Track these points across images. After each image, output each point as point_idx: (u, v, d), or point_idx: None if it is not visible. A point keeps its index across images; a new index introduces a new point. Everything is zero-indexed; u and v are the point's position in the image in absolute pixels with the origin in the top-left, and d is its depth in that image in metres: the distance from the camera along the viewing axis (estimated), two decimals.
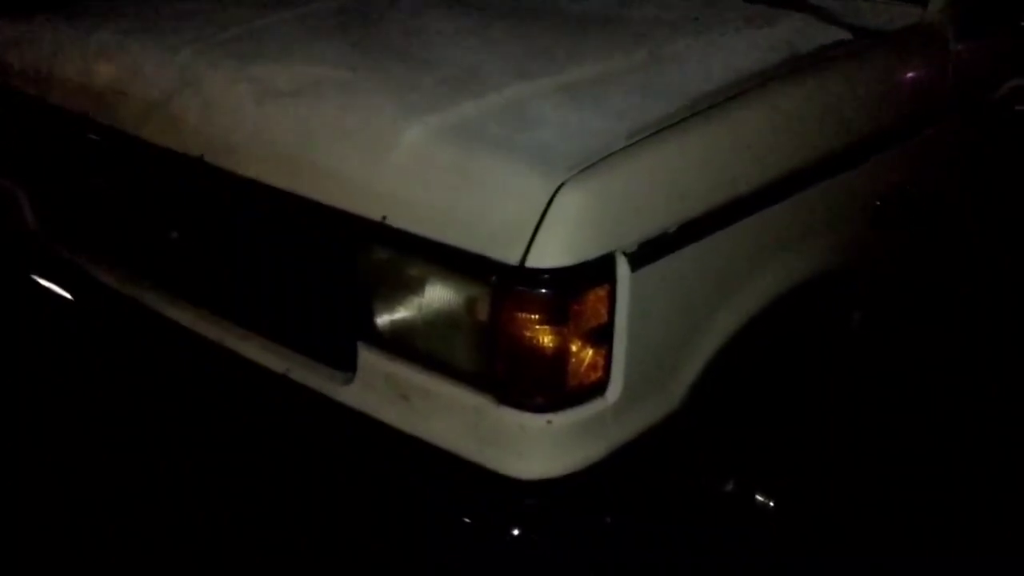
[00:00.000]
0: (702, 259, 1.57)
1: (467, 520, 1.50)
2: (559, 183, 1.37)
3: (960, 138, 2.26)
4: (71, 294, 2.09)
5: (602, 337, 1.44)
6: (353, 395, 1.61)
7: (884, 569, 2.20)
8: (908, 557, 2.24)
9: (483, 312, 1.43)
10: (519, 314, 1.39)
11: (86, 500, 2.32)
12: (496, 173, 1.42)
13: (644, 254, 1.45)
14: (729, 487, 2.01)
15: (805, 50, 1.90)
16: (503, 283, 1.39)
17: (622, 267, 1.42)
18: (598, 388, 1.48)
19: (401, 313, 1.53)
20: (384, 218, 1.48)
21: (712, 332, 1.62)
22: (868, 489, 2.38)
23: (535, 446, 1.46)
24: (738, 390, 1.76)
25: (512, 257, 1.36)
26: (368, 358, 1.58)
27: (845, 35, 2.01)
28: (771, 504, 2.13)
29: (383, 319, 1.55)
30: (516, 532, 1.48)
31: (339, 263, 1.58)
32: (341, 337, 1.61)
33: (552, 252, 1.36)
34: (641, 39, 1.86)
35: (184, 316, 1.86)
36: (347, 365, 1.61)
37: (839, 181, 1.84)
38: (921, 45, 2.14)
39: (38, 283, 2.16)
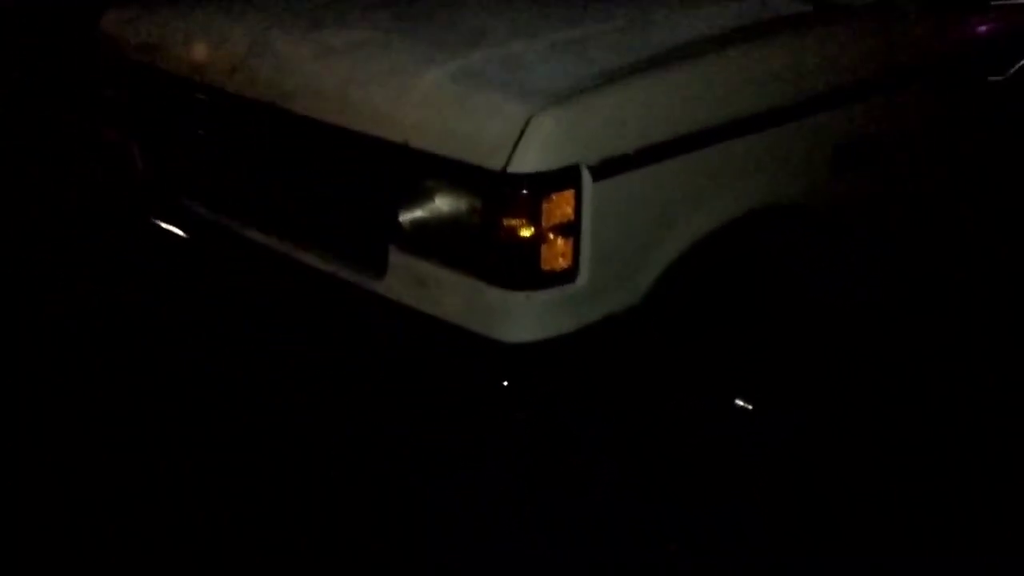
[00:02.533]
0: (660, 179, 1.97)
1: (470, 374, 1.94)
2: (533, 111, 1.81)
3: (924, 102, 2.58)
4: (182, 230, 2.58)
5: (570, 231, 1.86)
6: (385, 286, 2.07)
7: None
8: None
9: (477, 211, 1.87)
10: (503, 210, 1.83)
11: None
12: (488, 104, 1.86)
13: (605, 169, 1.87)
14: (710, 392, 2.39)
15: (768, 18, 2.29)
16: (491, 186, 1.83)
17: (586, 177, 1.85)
18: (569, 274, 1.90)
19: (420, 218, 1.98)
20: (406, 141, 1.93)
21: (670, 241, 2.03)
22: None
23: (517, 317, 1.90)
24: (700, 298, 2.15)
25: (497, 165, 1.80)
26: (396, 257, 2.04)
27: (807, 7, 2.38)
28: (750, 408, 2.49)
29: (407, 224, 2.00)
30: (506, 383, 1.92)
31: (374, 181, 2.04)
32: (376, 242, 2.07)
33: (527, 161, 1.79)
34: (628, 8, 2.28)
35: (257, 235, 2.35)
36: (380, 264, 2.07)
37: (793, 128, 2.21)
38: (883, 18, 2.49)
39: (152, 222, 2.67)
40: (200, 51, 2.38)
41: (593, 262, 1.91)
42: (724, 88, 2.06)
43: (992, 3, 2.73)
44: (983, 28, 2.75)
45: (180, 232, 2.58)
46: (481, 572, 2.21)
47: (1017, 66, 2.80)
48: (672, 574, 2.15)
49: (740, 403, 2.50)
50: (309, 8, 2.40)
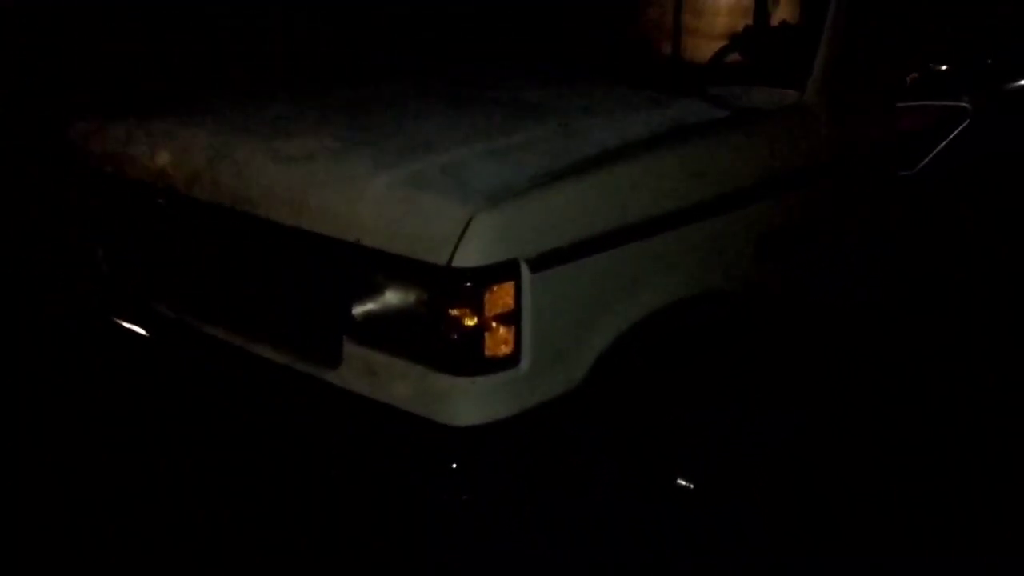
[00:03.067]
0: (592, 271, 2.15)
1: (418, 458, 2.06)
2: (474, 211, 1.98)
3: (837, 196, 2.81)
4: (140, 327, 2.70)
5: (511, 320, 2.02)
6: (340, 377, 2.20)
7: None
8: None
9: (425, 303, 2.03)
10: (448, 301, 1.98)
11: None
12: (433, 206, 2.04)
13: (542, 262, 2.04)
14: (651, 470, 2.52)
15: (689, 124, 2.51)
16: (436, 280, 1.99)
17: (524, 270, 2.01)
18: (512, 360, 2.05)
19: (371, 311, 2.13)
20: (358, 240, 2.09)
21: (604, 328, 2.19)
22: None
23: (463, 402, 2.04)
24: (636, 379, 2.31)
25: (442, 260, 1.97)
26: (350, 348, 2.17)
27: (725, 113, 2.61)
28: (692, 487, 2.62)
29: (359, 317, 2.15)
30: (454, 465, 2.04)
31: (329, 278, 2.18)
32: (330, 335, 2.20)
33: (469, 257, 1.96)
34: (560, 118, 2.49)
35: (219, 332, 2.47)
36: (335, 356, 2.20)
37: (715, 223, 2.41)
38: (796, 121, 2.73)
39: (113, 320, 2.77)
40: (164, 160, 2.53)
41: (534, 348, 2.06)
42: (648, 188, 2.26)
43: (898, 105, 3.01)
44: (890, 128, 3.01)
45: (144, 332, 2.69)
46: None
47: (924, 161, 3.06)
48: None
49: (682, 483, 2.64)
50: (266, 119, 2.58)
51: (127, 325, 2.73)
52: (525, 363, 2.06)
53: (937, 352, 3.28)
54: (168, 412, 2.77)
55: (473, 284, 1.96)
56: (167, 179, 2.52)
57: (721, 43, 3.03)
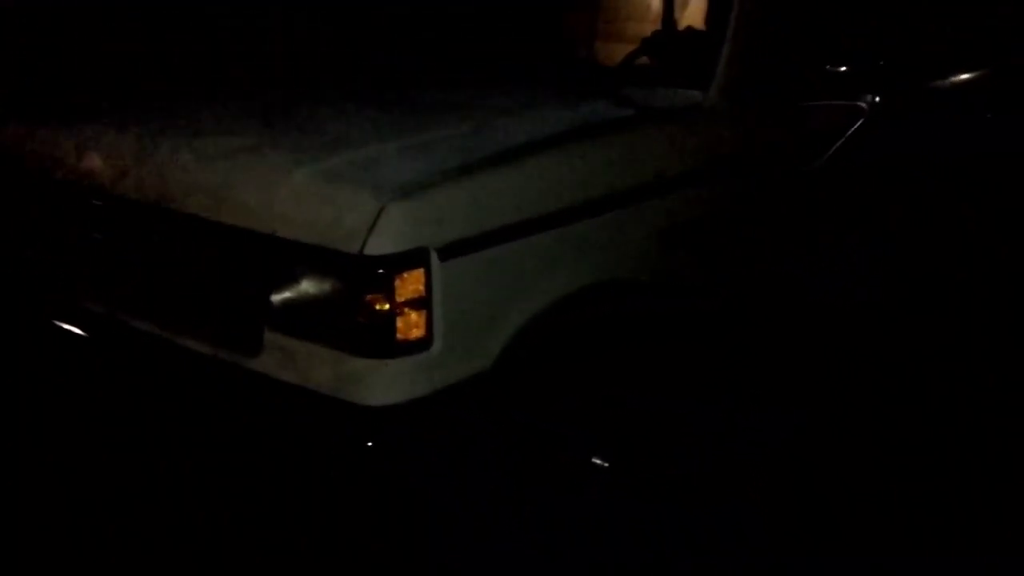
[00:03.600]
0: (499, 260, 2.28)
1: (338, 437, 2.17)
2: (384, 202, 2.10)
3: (740, 189, 2.98)
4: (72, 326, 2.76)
5: (422, 305, 2.14)
6: (260, 363, 2.30)
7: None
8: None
9: (339, 290, 2.14)
10: (361, 288, 2.10)
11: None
12: (346, 197, 2.15)
13: (450, 250, 2.17)
14: (568, 448, 2.65)
15: (595, 122, 2.65)
16: (350, 267, 2.10)
17: (433, 258, 2.13)
18: (424, 343, 2.16)
19: (289, 299, 2.23)
20: (274, 231, 2.19)
21: (512, 314, 2.32)
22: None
23: (377, 382, 2.15)
24: (547, 362, 2.44)
25: (355, 249, 2.08)
26: (269, 336, 2.27)
27: (630, 112, 2.76)
28: (607, 466, 2.75)
29: (278, 306, 2.25)
30: (370, 444, 2.15)
31: (249, 270, 2.29)
32: (251, 324, 2.30)
33: (380, 245, 2.08)
34: (475, 117, 2.62)
35: (147, 326, 2.55)
36: (256, 344, 2.30)
37: (619, 214, 2.55)
38: (698, 120, 2.89)
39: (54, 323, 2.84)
40: (91, 161, 2.62)
41: (445, 331, 2.18)
42: (551, 181, 2.40)
43: (799, 104, 3.18)
44: (791, 126, 3.19)
45: (78, 330, 2.76)
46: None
47: (825, 156, 3.24)
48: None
49: (597, 461, 2.77)
50: (189, 120, 2.68)
51: (61, 324, 2.80)
52: (436, 346, 2.18)
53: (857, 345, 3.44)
54: (103, 408, 2.84)
55: (384, 271, 2.08)
56: (94, 179, 2.61)
57: (632, 47, 3.20)
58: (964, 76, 3.99)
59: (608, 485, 2.71)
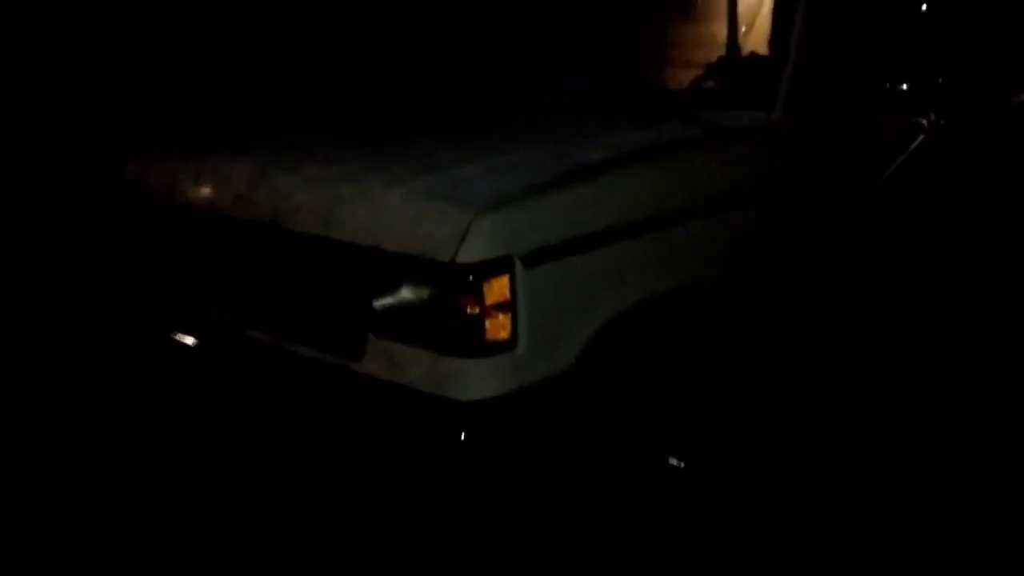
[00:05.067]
0: (578, 267, 2.50)
1: (435, 428, 2.40)
2: (472, 215, 2.35)
3: (805, 203, 3.14)
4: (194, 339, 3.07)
5: (508, 309, 2.37)
6: (364, 366, 2.55)
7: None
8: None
9: (434, 296, 2.39)
10: (452, 293, 2.34)
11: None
12: (440, 212, 2.40)
13: (533, 258, 2.40)
14: (643, 450, 2.84)
15: (663, 142, 2.86)
16: (442, 275, 2.34)
17: (518, 264, 2.37)
18: (510, 344, 2.39)
19: (390, 306, 2.48)
20: (378, 244, 2.45)
21: (591, 317, 2.54)
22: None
23: (468, 380, 2.39)
24: (623, 366, 2.64)
25: (447, 258, 2.32)
26: (372, 341, 2.53)
27: (699, 132, 2.96)
28: (682, 466, 2.93)
29: (380, 312, 2.50)
30: (463, 434, 2.38)
31: (352, 281, 2.54)
32: (355, 330, 2.56)
33: (470, 253, 2.32)
34: (553, 141, 2.85)
35: (257, 334, 2.83)
36: (359, 348, 2.55)
37: (689, 228, 2.75)
38: (765, 138, 3.07)
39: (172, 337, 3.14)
40: (209, 188, 2.92)
41: (528, 333, 2.41)
42: (623, 196, 2.62)
43: (862, 122, 3.34)
44: (856, 142, 3.34)
45: (189, 340, 3.06)
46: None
47: (887, 173, 3.38)
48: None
49: (673, 462, 2.95)
50: (294, 149, 2.97)
51: (179, 337, 3.10)
52: (521, 346, 2.41)
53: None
54: (203, 413, 3.14)
55: (474, 277, 2.32)
56: (212, 204, 2.91)
57: (699, 72, 3.40)
58: None
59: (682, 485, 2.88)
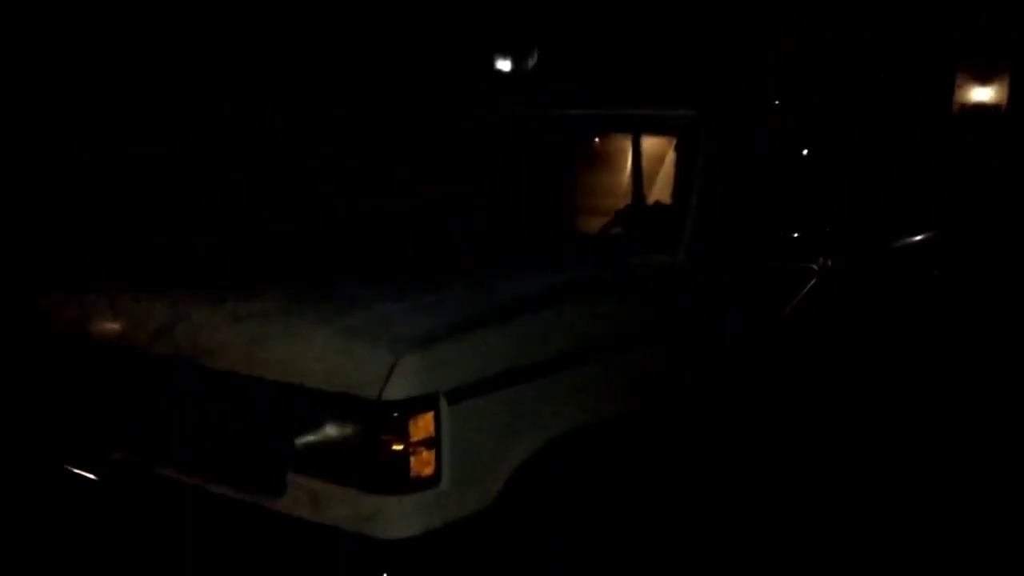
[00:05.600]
0: (499, 402, 2.57)
1: (358, 569, 2.38)
2: (399, 354, 2.41)
3: (705, 341, 3.31)
4: (92, 473, 2.99)
5: (432, 444, 2.41)
6: (284, 504, 2.53)
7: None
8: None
9: (358, 433, 2.41)
10: (377, 430, 2.37)
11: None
12: (366, 351, 2.46)
13: (456, 395, 2.46)
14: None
15: (578, 283, 3.01)
16: (367, 412, 2.38)
17: (442, 401, 2.42)
18: (434, 480, 2.42)
19: (312, 443, 2.50)
20: (302, 382, 2.48)
21: (510, 454, 2.59)
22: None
23: (392, 517, 2.40)
24: (541, 497, 2.69)
25: (373, 395, 2.37)
26: (293, 478, 2.52)
27: (608, 275, 3.12)
28: None
29: (302, 449, 2.51)
30: (385, 575, 2.37)
31: (275, 418, 2.56)
32: (276, 468, 2.55)
33: (395, 391, 2.37)
34: (472, 280, 2.97)
35: (172, 472, 2.78)
36: (279, 486, 2.54)
37: (598, 364, 2.87)
38: (668, 280, 3.25)
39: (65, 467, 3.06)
40: (126, 322, 2.91)
41: (452, 469, 2.45)
42: (542, 334, 2.73)
43: (758, 266, 3.57)
44: (751, 285, 3.56)
45: (96, 476, 2.97)
46: None
47: (783, 312, 3.60)
48: None
49: None
50: (216, 287, 3.00)
51: (79, 471, 3.01)
52: (445, 482, 2.44)
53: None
54: (117, 552, 3.04)
55: (399, 414, 2.37)
56: (129, 340, 2.90)
57: (608, 219, 3.60)
58: (912, 239, 4.48)
59: None
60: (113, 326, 2.98)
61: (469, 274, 3.06)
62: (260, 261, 3.37)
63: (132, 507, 2.89)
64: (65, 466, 3.05)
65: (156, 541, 2.86)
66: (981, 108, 11.30)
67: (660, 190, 3.59)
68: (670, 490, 3.12)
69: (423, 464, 2.40)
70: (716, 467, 3.38)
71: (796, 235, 3.55)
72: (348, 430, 2.44)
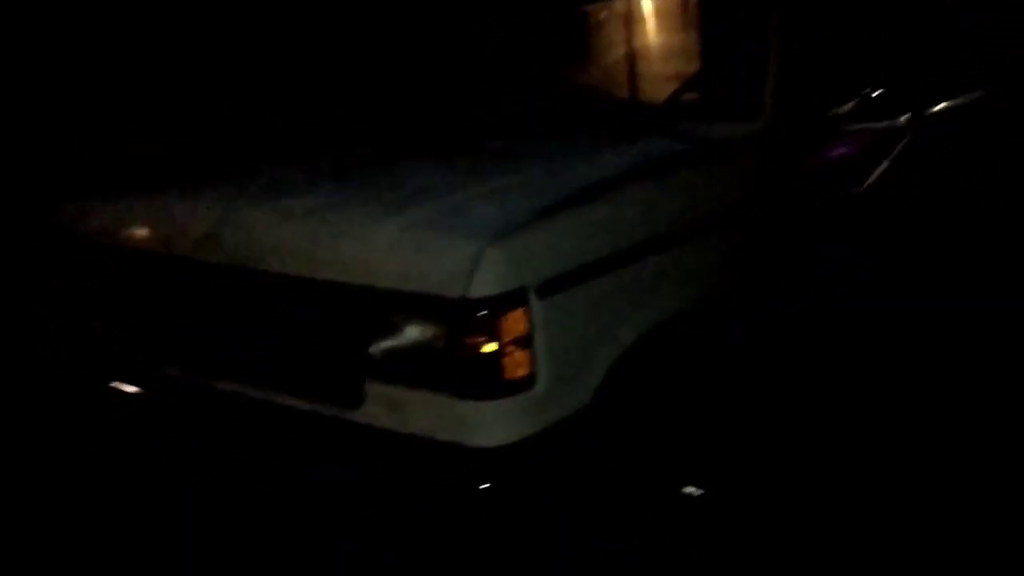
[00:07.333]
0: (592, 293, 2.32)
1: (449, 481, 2.18)
2: (483, 245, 2.15)
3: (794, 213, 3.04)
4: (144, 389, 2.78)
5: (525, 344, 2.17)
6: (362, 414, 2.31)
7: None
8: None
9: (442, 335, 2.17)
10: (466, 331, 2.13)
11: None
12: (444, 244, 2.20)
13: (547, 288, 2.21)
14: (658, 479, 2.66)
15: (658, 158, 2.72)
16: (453, 312, 2.13)
17: (532, 296, 2.17)
18: (528, 382, 2.19)
19: (389, 348, 2.26)
20: (373, 283, 2.23)
21: (607, 346, 2.35)
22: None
23: (486, 424, 2.17)
24: (641, 393, 2.47)
25: (458, 293, 2.12)
26: (371, 387, 2.29)
27: (689, 147, 2.83)
28: (698, 494, 2.76)
29: (378, 356, 2.27)
30: (483, 486, 2.16)
31: (344, 323, 2.31)
32: (350, 376, 2.32)
33: (483, 287, 2.12)
34: (542, 162, 2.68)
35: (234, 386, 2.56)
36: (356, 396, 2.32)
37: (691, 245, 2.61)
38: (752, 150, 2.96)
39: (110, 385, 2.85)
40: (169, 229, 2.65)
41: (547, 369, 2.21)
42: (631, 216, 2.46)
43: (844, 129, 3.26)
44: (842, 150, 3.26)
45: (150, 393, 2.77)
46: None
47: (871, 179, 3.32)
48: None
49: (688, 491, 2.78)
50: (263, 184, 2.72)
51: (129, 388, 2.80)
52: (540, 384, 2.21)
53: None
54: (172, 474, 2.86)
55: (489, 312, 2.12)
56: (172, 247, 2.64)
57: (674, 85, 3.28)
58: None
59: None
60: (153, 232, 2.72)
61: (533, 157, 2.77)
62: (299, 152, 3.05)
63: (191, 426, 2.69)
64: (111, 384, 2.85)
65: (219, 460, 2.66)
66: None
67: (733, 51, 3.26)
68: (773, 373, 2.90)
69: (517, 365, 2.16)
70: (819, 349, 3.16)
71: (878, 93, 3.24)
72: (431, 332, 2.20)
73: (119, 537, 2.61)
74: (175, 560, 2.54)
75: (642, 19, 3.60)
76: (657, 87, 3.35)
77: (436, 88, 3.69)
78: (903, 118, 3.34)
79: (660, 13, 3.62)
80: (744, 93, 3.05)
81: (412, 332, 2.23)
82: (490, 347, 2.13)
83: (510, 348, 2.15)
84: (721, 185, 2.76)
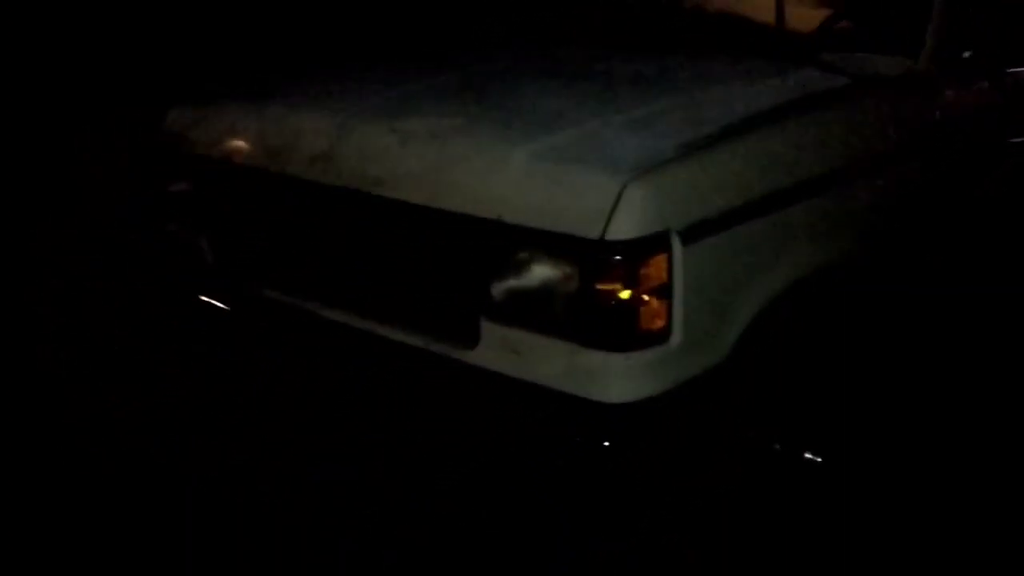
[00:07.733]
0: (738, 241, 2.10)
1: (570, 436, 2.02)
2: (625, 182, 1.93)
3: (952, 160, 2.76)
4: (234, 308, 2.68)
5: (663, 293, 1.97)
6: (478, 356, 2.16)
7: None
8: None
9: (574, 277, 1.98)
10: (601, 275, 1.93)
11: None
12: (580, 178, 1.99)
13: (692, 233, 1.99)
14: (778, 444, 2.47)
15: (814, 92, 2.45)
16: (588, 253, 1.94)
17: (675, 242, 1.97)
18: (663, 335, 2.00)
19: (513, 288, 2.08)
20: (499, 216, 2.05)
21: (748, 300, 2.14)
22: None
23: (617, 378, 1.99)
24: (777, 351, 2.26)
25: (594, 234, 1.92)
26: (489, 327, 2.13)
27: (846, 81, 2.55)
28: (819, 460, 2.57)
29: (499, 295, 2.10)
30: (606, 443, 1.99)
31: (465, 256, 2.14)
32: (467, 315, 2.16)
33: (623, 229, 1.91)
34: (685, 88, 2.44)
35: (341, 316, 2.43)
36: (472, 335, 2.16)
37: (848, 190, 2.36)
38: (912, 88, 2.67)
39: (210, 303, 2.75)
40: (280, 144, 2.50)
41: (684, 322, 2.01)
42: (789, 156, 2.22)
43: (1008, 71, 2.95)
44: (1000, 94, 2.95)
45: (255, 317, 2.66)
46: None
47: None
48: None
49: (808, 456, 2.58)
50: (383, 100, 2.54)
51: (221, 305, 2.70)
52: (676, 337, 2.01)
53: None
54: (279, 399, 2.76)
55: (627, 257, 1.92)
56: (285, 164, 2.49)
57: (824, 11, 2.99)
58: None
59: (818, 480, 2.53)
60: (263, 147, 2.57)
61: (674, 82, 2.53)
62: (428, 69, 2.85)
63: (290, 353, 2.57)
64: (202, 298, 2.74)
65: (319, 390, 2.55)
66: None
67: None
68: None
69: (653, 316, 1.97)
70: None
71: None
72: (560, 274, 2.01)
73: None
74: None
75: None
76: (803, 12, 3.05)
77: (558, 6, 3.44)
78: None
79: None
80: (904, 25, 2.75)
81: (539, 272, 2.05)
82: (626, 294, 1.94)
83: (647, 297, 1.95)
84: (879, 126, 2.49)
